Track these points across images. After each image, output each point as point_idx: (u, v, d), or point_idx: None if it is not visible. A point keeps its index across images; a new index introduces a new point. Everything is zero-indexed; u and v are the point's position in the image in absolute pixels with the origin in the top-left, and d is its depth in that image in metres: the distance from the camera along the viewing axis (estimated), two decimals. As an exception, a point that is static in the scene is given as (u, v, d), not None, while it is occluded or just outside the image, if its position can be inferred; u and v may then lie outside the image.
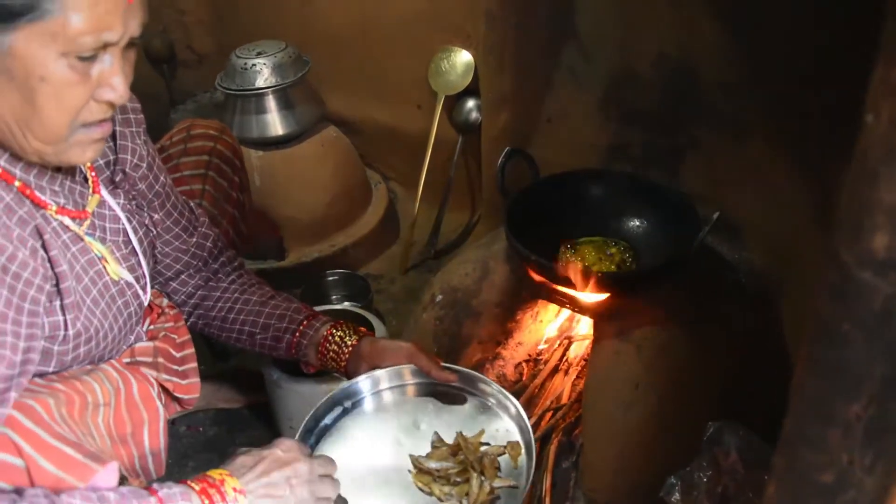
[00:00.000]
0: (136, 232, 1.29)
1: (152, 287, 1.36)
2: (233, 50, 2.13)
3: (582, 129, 1.87)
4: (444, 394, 1.38)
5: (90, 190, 1.20)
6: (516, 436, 1.30)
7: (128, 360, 1.29)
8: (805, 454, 0.59)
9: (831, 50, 1.26)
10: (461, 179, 2.34)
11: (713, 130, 1.69)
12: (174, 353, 1.38)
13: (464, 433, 1.29)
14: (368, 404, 1.38)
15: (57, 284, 1.06)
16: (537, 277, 1.60)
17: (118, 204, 1.25)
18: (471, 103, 2.18)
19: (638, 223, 1.72)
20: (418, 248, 2.33)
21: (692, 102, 1.69)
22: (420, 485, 1.24)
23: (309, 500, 1.10)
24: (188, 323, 1.48)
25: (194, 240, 1.44)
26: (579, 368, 1.75)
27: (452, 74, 2.17)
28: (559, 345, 1.84)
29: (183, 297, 1.48)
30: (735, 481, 1.29)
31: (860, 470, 0.55)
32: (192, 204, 1.46)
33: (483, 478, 1.23)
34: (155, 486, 1.01)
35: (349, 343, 1.39)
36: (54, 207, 1.10)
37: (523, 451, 1.28)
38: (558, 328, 1.87)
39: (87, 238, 1.16)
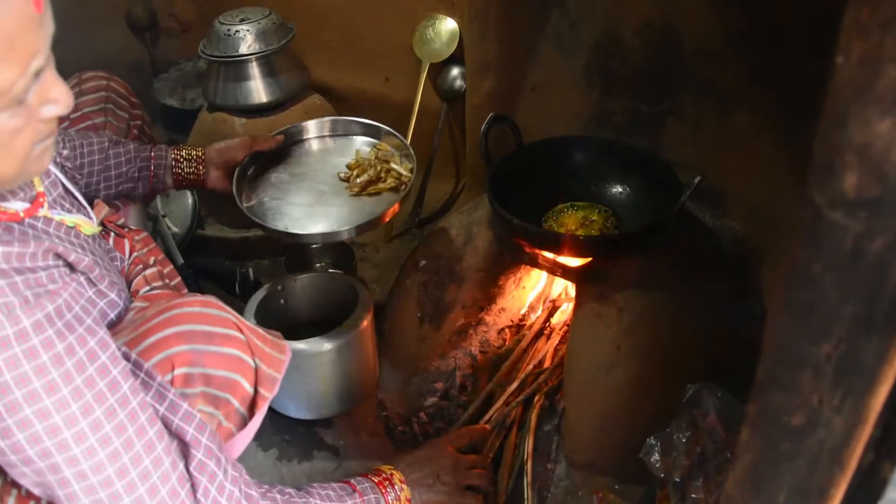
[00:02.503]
0: (62, 171, 1.29)
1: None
2: (215, 17, 2.11)
3: (566, 97, 1.87)
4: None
5: None
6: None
7: (146, 289, 1.33)
8: (777, 397, 0.60)
9: (817, 17, 1.26)
10: (446, 148, 2.34)
11: (697, 98, 1.70)
12: (164, 271, 1.42)
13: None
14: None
15: (89, 279, 1.07)
16: (520, 242, 1.61)
17: None
18: (455, 71, 2.18)
19: (620, 189, 1.74)
20: (402, 216, 2.33)
21: (676, 70, 1.70)
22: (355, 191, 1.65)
23: (454, 486, 1.40)
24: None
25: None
26: (562, 333, 1.77)
27: (437, 42, 2.16)
28: (542, 310, 1.85)
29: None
30: (714, 442, 1.31)
31: (829, 410, 0.57)
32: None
33: (400, 161, 1.70)
34: (353, 481, 1.28)
35: (198, 155, 1.63)
36: (22, 209, 1.02)
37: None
38: (541, 293, 1.88)
39: (56, 217, 1.11)
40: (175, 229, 2.12)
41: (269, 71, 2.09)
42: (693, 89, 1.70)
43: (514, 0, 1.77)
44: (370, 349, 1.69)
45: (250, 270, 2.11)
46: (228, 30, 2.04)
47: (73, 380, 0.87)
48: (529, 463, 1.55)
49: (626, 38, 1.74)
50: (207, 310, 1.11)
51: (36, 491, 0.92)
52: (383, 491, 1.30)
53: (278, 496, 1.14)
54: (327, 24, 2.38)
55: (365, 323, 1.61)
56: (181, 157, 1.62)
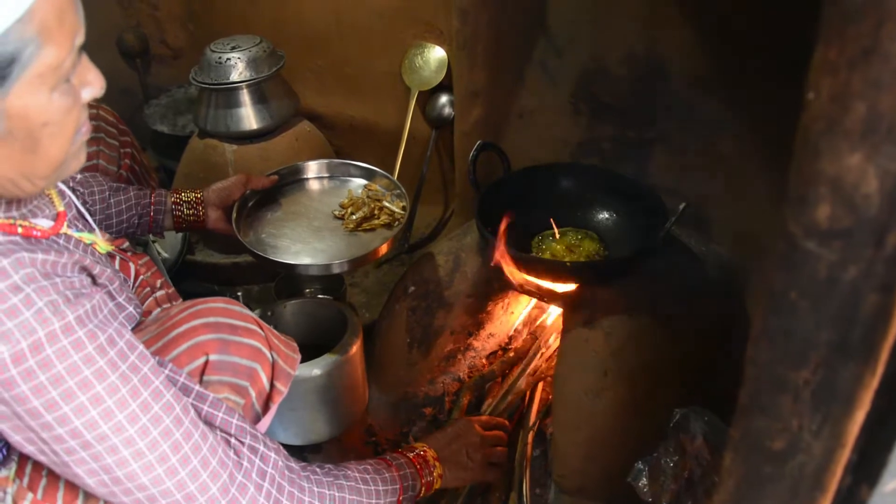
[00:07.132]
0: (75, 194, 1.32)
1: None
2: (207, 44, 2.13)
3: (553, 124, 1.89)
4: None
5: None
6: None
7: (158, 311, 1.36)
8: (758, 422, 0.61)
9: (799, 44, 1.29)
10: (434, 174, 2.36)
11: (682, 125, 1.72)
12: (169, 292, 1.46)
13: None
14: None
15: (109, 292, 1.11)
16: (508, 268, 1.62)
17: None
18: (444, 98, 2.20)
19: (607, 215, 1.75)
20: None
21: (661, 98, 1.72)
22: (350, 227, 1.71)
23: (480, 462, 1.46)
24: None
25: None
26: (549, 358, 1.78)
27: (426, 70, 2.19)
28: (529, 335, 1.86)
29: None
30: (701, 466, 1.31)
31: (808, 434, 0.58)
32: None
33: (391, 200, 1.75)
34: (388, 457, 1.33)
35: (197, 198, 1.65)
36: (48, 226, 1.05)
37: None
38: (528, 319, 1.89)
39: (75, 234, 1.13)
40: (165, 255, 2.13)
41: (260, 98, 2.11)
42: (679, 116, 1.72)
43: (502, 29, 1.80)
44: (359, 374, 1.69)
45: (240, 296, 2.12)
46: (220, 57, 2.06)
47: (118, 367, 0.93)
48: (527, 488, 1.56)
49: (612, 66, 1.76)
50: (231, 306, 1.20)
51: (92, 481, 0.95)
52: (418, 466, 1.35)
53: (318, 469, 1.19)
54: (317, 51, 2.40)
55: (354, 348, 1.61)
56: (181, 200, 1.64)
